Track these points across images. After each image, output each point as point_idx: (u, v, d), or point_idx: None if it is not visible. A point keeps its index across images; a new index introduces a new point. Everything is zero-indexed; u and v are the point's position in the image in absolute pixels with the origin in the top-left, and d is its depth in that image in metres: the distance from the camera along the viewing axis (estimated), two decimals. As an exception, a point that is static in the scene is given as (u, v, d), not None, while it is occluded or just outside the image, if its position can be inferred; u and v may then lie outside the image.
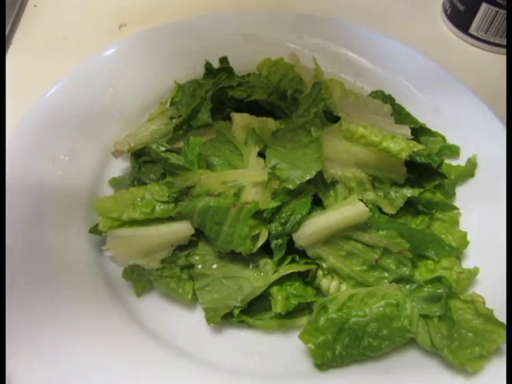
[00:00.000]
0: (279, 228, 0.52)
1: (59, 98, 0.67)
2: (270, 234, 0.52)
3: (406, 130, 0.58)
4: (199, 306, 0.55)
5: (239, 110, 0.61)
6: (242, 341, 0.54)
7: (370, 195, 0.55)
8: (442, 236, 0.57)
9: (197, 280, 0.54)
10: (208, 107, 0.62)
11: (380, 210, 0.55)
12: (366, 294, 0.52)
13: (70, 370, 0.48)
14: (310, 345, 0.50)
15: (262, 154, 0.55)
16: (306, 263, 0.53)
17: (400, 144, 0.54)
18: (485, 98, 0.68)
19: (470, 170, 0.63)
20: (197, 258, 0.54)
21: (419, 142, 0.58)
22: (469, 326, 0.49)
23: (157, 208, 0.54)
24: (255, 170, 0.54)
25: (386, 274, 0.53)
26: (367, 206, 0.52)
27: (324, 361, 0.50)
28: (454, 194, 0.62)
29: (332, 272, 0.54)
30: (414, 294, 0.52)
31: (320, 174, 0.53)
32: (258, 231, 0.52)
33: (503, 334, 0.48)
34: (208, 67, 0.70)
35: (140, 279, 0.56)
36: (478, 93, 0.68)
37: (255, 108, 0.62)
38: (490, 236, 0.58)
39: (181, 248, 0.55)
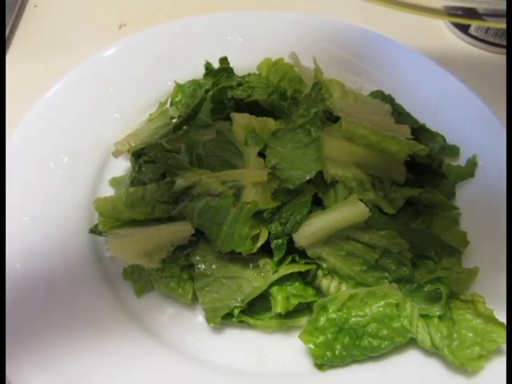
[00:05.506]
0: (279, 228, 0.52)
1: (59, 98, 0.67)
2: (270, 233, 0.52)
3: (406, 130, 0.58)
4: (199, 306, 0.55)
5: (239, 109, 0.61)
6: (242, 341, 0.54)
7: (370, 195, 0.55)
8: (442, 236, 0.57)
9: (197, 280, 0.54)
10: (208, 107, 0.62)
11: (380, 209, 0.55)
12: (366, 294, 0.52)
13: (69, 371, 0.48)
14: (310, 345, 0.50)
15: (262, 154, 0.55)
16: (306, 263, 0.53)
17: (400, 144, 0.54)
18: (485, 97, 0.68)
19: (470, 170, 0.63)
20: (197, 257, 0.54)
21: (419, 142, 0.58)
22: (469, 326, 0.49)
23: (157, 208, 0.54)
24: (255, 169, 0.54)
25: (386, 274, 0.53)
26: (367, 206, 0.52)
27: (324, 361, 0.50)
28: (454, 194, 0.62)
29: (332, 272, 0.54)
30: (414, 294, 0.52)
31: (320, 174, 0.53)
32: (258, 231, 0.52)
33: (503, 334, 0.48)
34: (208, 67, 0.70)
35: (140, 279, 0.56)
36: (478, 93, 0.68)
37: (255, 108, 0.62)
38: (490, 236, 0.58)
39: (181, 248, 0.55)
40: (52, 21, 0.88)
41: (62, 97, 0.67)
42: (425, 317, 0.50)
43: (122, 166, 0.65)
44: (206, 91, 0.64)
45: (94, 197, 0.59)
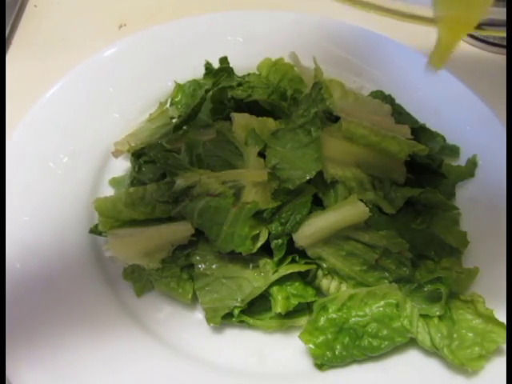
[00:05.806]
0: (279, 228, 0.52)
1: (59, 98, 0.67)
2: (270, 233, 0.52)
3: (405, 130, 0.58)
4: (199, 306, 0.55)
5: (239, 109, 0.61)
6: (242, 341, 0.54)
7: (370, 195, 0.55)
8: (442, 236, 0.57)
9: (197, 280, 0.54)
10: (208, 107, 0.62)
11: (380, 209, 0.55)
12: (366, 293, 0.52)
13: (69, 371, 0.48)
14: (310, 345, 0.50)
15: (262, 154, 0.55)
16: (306, 263, 0.53)
17: (400, 144, 0.54)
18: (485, 97, 0.68)
19: (470, 170, 0.63)
20: (197, 257, 0.54)
21: (419, 141, 0.58)
22: (469, 326, 0.49)
23: (157, 208, 0.54)
24: (255, 169, 0.54)
25: (386, 274, 0.53)
26: (367, 206, 0.52)
27: (324, 361, 0.50)
28: (454, 194, 0.62)
29: (332, 272, 0.54)
30: (414, 294, 0.52)
31: (320, 174, 0.53)
32: (258, 231, 0.52)
33: (503, 334, 0.48)
34: (208, 67, 0.70)
35: (140, 279, 0.56)
36: (478, 93, 0.68)
37: (255, 108, 0.62)
38: (490, 236, 0.58)
39: (181, 248, 0.55)
40: (52, 21, 0.88)
41: (61, 97, 0.67)
42: (425, 317, 0.50)
43: (122, 166, 0.65)
44: (206, 91, 0.64)
45: (93, 197, 0.59)
